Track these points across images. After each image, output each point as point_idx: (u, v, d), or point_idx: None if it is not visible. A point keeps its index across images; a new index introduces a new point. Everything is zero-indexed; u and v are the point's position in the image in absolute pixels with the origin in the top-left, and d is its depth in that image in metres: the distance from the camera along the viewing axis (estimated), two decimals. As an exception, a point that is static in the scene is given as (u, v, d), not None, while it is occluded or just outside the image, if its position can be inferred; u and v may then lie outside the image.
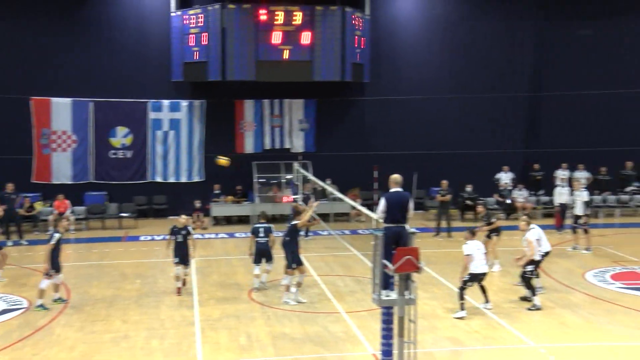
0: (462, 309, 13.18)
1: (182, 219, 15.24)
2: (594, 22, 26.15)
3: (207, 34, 23.04)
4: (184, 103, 25.01)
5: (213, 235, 22.08)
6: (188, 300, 14.51)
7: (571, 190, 21.06)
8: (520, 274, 14.13)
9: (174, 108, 24.98)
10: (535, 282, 14.07)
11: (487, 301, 13.61)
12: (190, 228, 15.23)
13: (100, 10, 24.35)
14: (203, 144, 25.22)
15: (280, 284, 14.71)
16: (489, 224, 17.02)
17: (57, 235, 13.96)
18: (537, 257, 13.96)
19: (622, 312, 13.48)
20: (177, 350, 11.57)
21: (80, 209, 23.39)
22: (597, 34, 26.25)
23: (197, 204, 23.49)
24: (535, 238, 14.18)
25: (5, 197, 20.93)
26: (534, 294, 13.74)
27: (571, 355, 11.22)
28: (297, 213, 14.96)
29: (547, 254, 14.69)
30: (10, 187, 21.47)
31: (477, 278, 13.39)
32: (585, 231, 19.05)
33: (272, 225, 15.24)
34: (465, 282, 13.33)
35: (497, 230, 17.03)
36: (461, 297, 13.22)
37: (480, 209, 18.08)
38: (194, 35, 23.40)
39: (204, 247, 20.13)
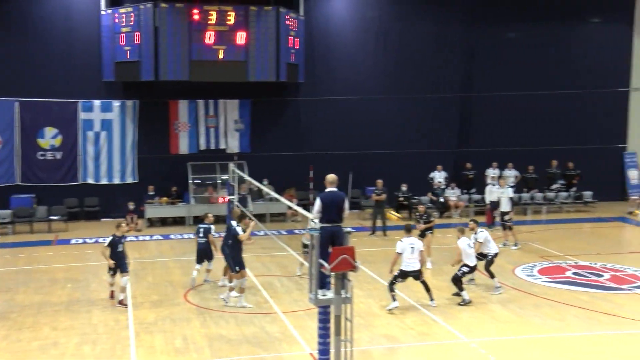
0: (394, 299, 13.49)
1: (124, 227, 14.86)
2: (520, 25, 27.08)
3: (139, 33, 22.61)
4: (116, 103, 24.48)
5: (147, 237, 21.70)
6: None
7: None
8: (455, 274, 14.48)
9: (106, 108, 24.41)
10: (494, 281, 14.91)
11: (431, 299, 13.84)
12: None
13: (25, 7, 23.54)
14: (136, 144, 24.75)
15: (218, 284, 14.67)
16: (428, 222, 17.42)
17: None
18: (472, 262, 14.40)
19: (548, 305, 14.01)
20: (111, 355, 11.33)
21: (6, 212, 22.56)
22: (523, 37, 27.18)
23: (131, 205, 23.05)
24: (483, 240, 14.98)
25: None
26: (462, 290, 14.21)
27: (501, 348, 11.58)
28: (237, 216, 14.69)
29: (496, 254, 15.27)
30: None
31: (407, 275, 13.65)
32: (510, 228, 19.72)
33: (212, 226, 15.45)
34: (395, 278, 13.63)
35: (431, 229, 17.47)
36: (391, 290, 13.55)
37: (421, 207, 18.33)
38: (125, 35, 22.91)
39: (138, 250, 19.77)
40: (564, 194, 26.28)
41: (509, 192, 20.29)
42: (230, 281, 14.34)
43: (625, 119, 28.24)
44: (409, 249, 13.62)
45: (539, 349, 11.55)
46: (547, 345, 11.76)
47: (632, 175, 27.95)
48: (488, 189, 22.67)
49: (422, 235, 17.17)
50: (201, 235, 15.37)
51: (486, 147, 26.44)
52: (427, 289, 13.85)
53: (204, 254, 15.37)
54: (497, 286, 14.99)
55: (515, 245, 19.38)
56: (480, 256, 15.02)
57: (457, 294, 14.32)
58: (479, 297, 14.59)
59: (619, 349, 11.51)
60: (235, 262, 13.94)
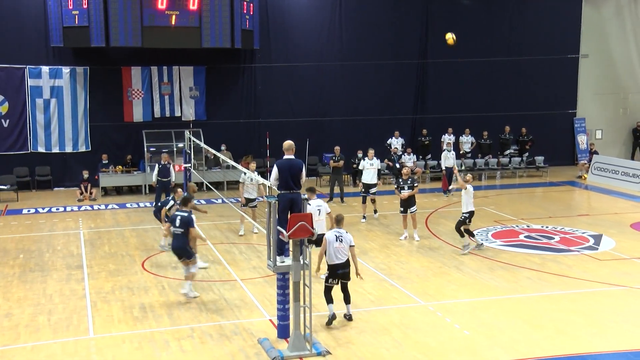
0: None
1: None
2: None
3: (87, -4, 21.96)
4: (66, 70, 23.78)
5: (103, 207, 21.36)
6: (77, 274, 14.02)
7: (456, 154, 22.09)
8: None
9: (55, 75, 23.69)
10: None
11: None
12: None
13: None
14: (88, 112, 24.16)
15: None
16: (412, 187, 16.57)
17: None
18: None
19: (502, 267, 14.36)
20: (67, 325, 11.20)
21: (-48, 182, 21.92)
22: (478, 4, 27.32)
23: (85, 174, 22.60)
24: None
25: None
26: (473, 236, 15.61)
27: (457, 311, 11.84)
28: (187, 200, 12.96)
29: (471, 214, 15.64)
30: None
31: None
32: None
33: (193, 216, 12.60)
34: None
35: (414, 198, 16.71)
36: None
37: (405, 170, 17.06)
38: (72, -2, 22.21)
39: (93, 219, 19.47)
40: (517, 159, 26.78)
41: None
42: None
43: (575, 85, 28.81)
44: (316, 211, 13.10)
45: (493, 311, 11.85)
46: (501, 306, 12.07)
47: (581, 140, 28.65)
48: (444, 155, 22.96)
49: (406, 206, 16.37)
50: (177, 224, 12.29)
51: (442, 113, 26.68)
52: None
53: (179, 251, 12.43)
54: (465, 244, 15.53)
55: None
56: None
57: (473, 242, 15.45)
58: (435, 262, 14.85)
59: (569, 308, 11.89)
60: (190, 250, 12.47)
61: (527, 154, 26.93)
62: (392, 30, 26.45)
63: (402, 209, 16.63)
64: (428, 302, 12.25)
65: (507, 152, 26.88)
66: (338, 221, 11.67)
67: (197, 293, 12.54)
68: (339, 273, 11.17)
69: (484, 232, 17.46)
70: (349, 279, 11.33)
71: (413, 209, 16.50)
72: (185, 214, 12.42)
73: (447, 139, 25.10)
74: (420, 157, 26.11)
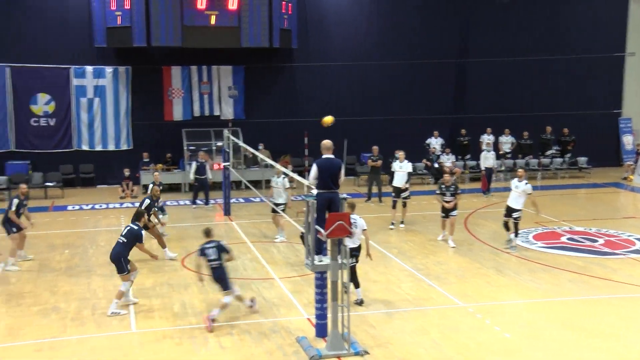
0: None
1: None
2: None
3: (129, -3, 22.38)
4: (109, 69, 24.25)
5: (143, 204, 21.67)
6: (119, 270, 14.26)
7: (496, 154, 21.81)
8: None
9: (99, 74, 24.18)
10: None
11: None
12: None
13: (16, -29, 23.20)
14: (130, 111, 24.61)
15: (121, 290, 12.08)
16: (455, 194, 15.82)
17: (15, 201, 14.35)
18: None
19: (543, 270, 14.15)
20: (110, 319, 11.42)
21: (2, 178, 22.51)
22: (519, 2, 26.94)
23: (126, 172, 23.01)
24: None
25: None
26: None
27: (496, 312, 11.72)
28: (139, 215, 12.94)
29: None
30: None
31: None
32: None
33: (227, 245, 11.66)
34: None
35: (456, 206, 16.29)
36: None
37: (446, 177, 16.17)
38: (115, -1, 22.65)
39: (133, 217, 19.79)
40: (559, 160, 26.35)
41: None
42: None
43: (620, 85, 28.22)
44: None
45: (534, 313, 11.69)
46: (542, 309, 11.90)
47: (627, 140, 28.04)
48: (483, 155, 22.73)
49: (447, 212, 15.82)
50: (213, 257, 11.30)
51: (481, 113, 26.42)
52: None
53: (219, 281, 11.40)
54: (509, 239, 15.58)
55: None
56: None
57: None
58: (473, 263, 14.72)
59: (613, 313, 11.67)
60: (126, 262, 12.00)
61: (569, 154, 26.48)
62: (431, 29, 26.29)
63: (443, 215, 16.08)
64: (467, 303, 12.15)
65: (549, 152, 26.48)
66: (352, 207, 12.06)
67: (135, 299, 12.15)
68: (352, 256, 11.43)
69: (525, 233, 17.22)
70: (357, 261, 12.02)
71: (454, 213, 15.95)
72: (136, 227, 12.27)
73: (487, 139, 24.83)
74: (459, 157, 25.89)
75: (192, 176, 20.55)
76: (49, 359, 9.87)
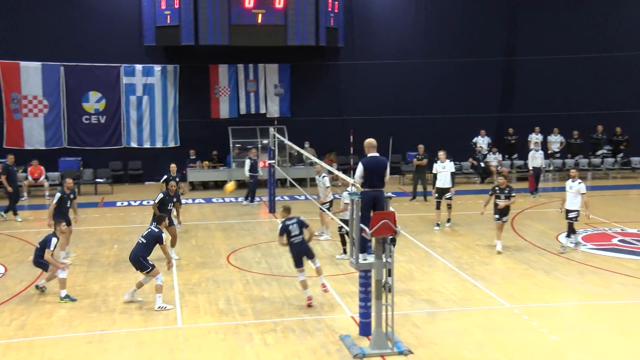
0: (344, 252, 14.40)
1: (172, 186, 15.47)
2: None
3: (178, -4, 22.73)
4: (157, 68, 24.68)
5: (190, 201, 22.03)
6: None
7: (544, 153, 21.41)
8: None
9: (148, 73, 24.64)
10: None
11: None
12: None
13: (69, -28, 23.79)
14: (178, 109, 25.00)
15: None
16: (509, 197, 15.33)
17: (58, 195, 14.56)
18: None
19: (592, 272, 13.83)
20: (157, 314, 11.62)
21: (55, 174, 23.15)
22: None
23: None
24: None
25: None
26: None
27: (544, 314, 11.51)
28: (160, 219, 12.70)
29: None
30: (10, 158, 19.72)
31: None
32: None
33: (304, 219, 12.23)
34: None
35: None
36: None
37: (501, 180, 15.75)
38: (165, -2, 23.03)
39: (181, 213, 20.05)
40: (611, 159, 25.72)
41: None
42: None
43: (675, 82, 27.37)
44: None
45: (582, 316, 11.45)
46: (591, 312, 11.65)
47: (682, 140, 27.15)
48: (531, 154, 22.34)
49: (501, 214, 15.22)
50: (295, 232, 11.85)
51: (529, 111, 25.97)
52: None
53: (304, 254, 12.02)
54: (576, 242, 15.66)
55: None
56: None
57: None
58: (520, 264, 14.49)
59: (665, 317, 11.35)
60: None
61: (621, 154, 25.81)
62: (477, 28, 25.99)
63: (497, 216, 15.46)
64: (513, 304, 11.96)
65: (600, 152, 25.88)
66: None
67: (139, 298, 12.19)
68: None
69: (574, 235, 16.85)
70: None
71: (505, 218, 15.43)
72: (157, 230, 12.18)
73: (535, 138, 24.43)
74: (506, 156, 25.51)
75: (247, 173, 20.77)
76: (99, 351, 10.10)
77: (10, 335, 10.65)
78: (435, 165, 17.99)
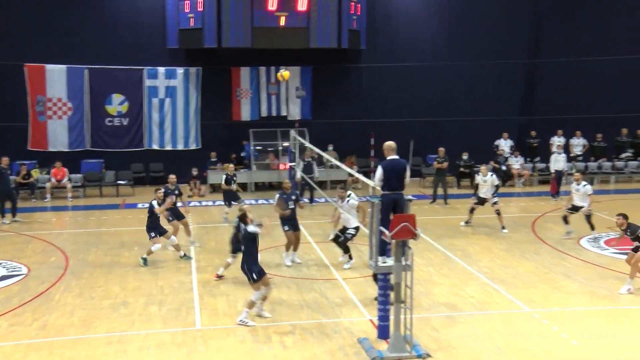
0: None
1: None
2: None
3: (202, 0, 22.84)
4: (180, 70, 24.86)
5: (210, 203, 22.15)
6: (186, 267, 14.63)
7: (567, 156, 21.23)
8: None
9: (170, 75, 24.83)
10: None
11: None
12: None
13: (93, -24, 24.08)
14: (199, 111, 25.15)
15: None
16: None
17: (161, 191, 15.31)
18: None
19: (615, 276, 13.66)
20: (176, 316, 11.71)
21: (77, 176, 23.41)
22: (592, 1, 26.09)
23: (194, 171, 23.51)
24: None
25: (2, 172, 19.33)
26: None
27: (564, 319, 11.39)
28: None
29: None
30: (5, 161, 19.66)
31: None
32: None
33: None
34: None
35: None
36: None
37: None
38: (189, 2, 23.20)
39: (201, 214, 20.23)
40: (635, 162, 25.39)
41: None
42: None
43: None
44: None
45: (604, 321, 11.31)
46: (613, 317, 11.50)
47: None
48: (553, 157, 22.15)
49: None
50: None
51: (552, 114, 25.72)
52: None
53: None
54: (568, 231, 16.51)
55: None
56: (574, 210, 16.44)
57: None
58: (539, 267, 14.36)
59: (689, 324, 11.18)
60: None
61: (645, 157, 25.48)
62: (501, 29, 25.80)
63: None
64: (533, 308, 11.86)
65: (624, 155, 25.55)
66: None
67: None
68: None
69: (596, 238, 16.68)
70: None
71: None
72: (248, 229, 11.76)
73: (557, 141, 24.20)
74: (528, 159, 25.30)
75: (299, 175, 20.87)
76: (118, 352, 10.20)
77: (31, 336, 10.80)
78: (477, 177, 18.55)
